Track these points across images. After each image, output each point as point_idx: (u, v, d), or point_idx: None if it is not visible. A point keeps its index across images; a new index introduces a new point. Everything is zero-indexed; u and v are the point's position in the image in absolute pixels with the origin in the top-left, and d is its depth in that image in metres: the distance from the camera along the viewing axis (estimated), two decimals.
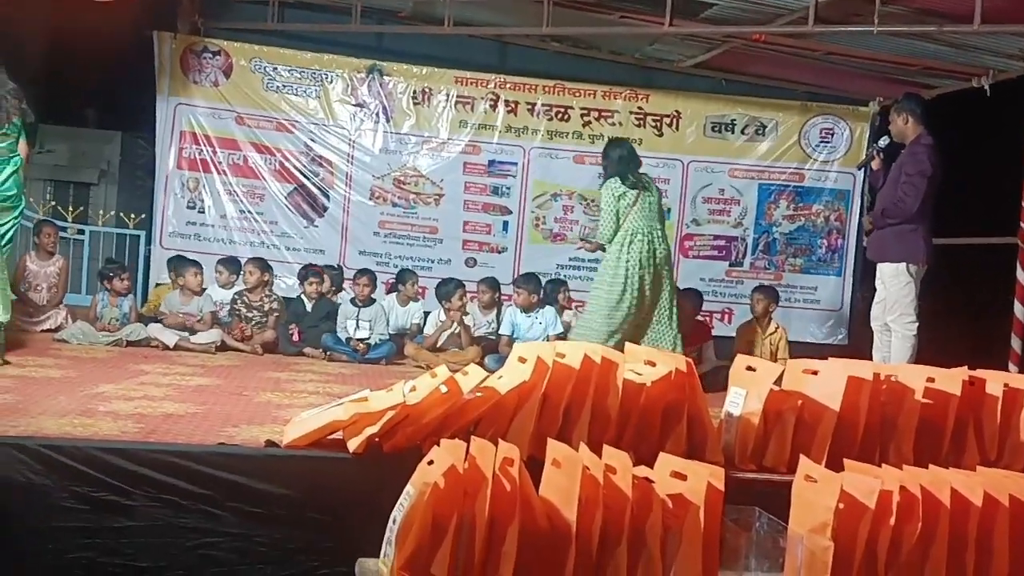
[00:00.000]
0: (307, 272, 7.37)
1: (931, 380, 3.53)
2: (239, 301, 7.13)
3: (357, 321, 6.93)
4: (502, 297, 7.62)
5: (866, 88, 8.49)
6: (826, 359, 3.75)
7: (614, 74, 8.65)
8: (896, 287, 5.37)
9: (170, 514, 3.00)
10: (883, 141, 5.71)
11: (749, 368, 3.63)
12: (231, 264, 7.52)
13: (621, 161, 5.89)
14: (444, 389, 3.20)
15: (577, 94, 8.50)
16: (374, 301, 7.14)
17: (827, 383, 3.52)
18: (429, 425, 3.19)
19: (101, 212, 8.90)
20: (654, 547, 2.63)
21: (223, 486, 3.05)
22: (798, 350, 7.06)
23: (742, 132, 8.65)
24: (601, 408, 3.33)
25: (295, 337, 7.02)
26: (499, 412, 3.30)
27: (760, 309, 7.40)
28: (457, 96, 8.42)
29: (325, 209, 8.37)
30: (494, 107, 8.44)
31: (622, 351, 5.48)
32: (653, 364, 3.46)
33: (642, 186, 5.88)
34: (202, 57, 8.17)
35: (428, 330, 7.15)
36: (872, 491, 2.64)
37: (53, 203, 8.79)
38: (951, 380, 3.53)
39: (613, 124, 8.52)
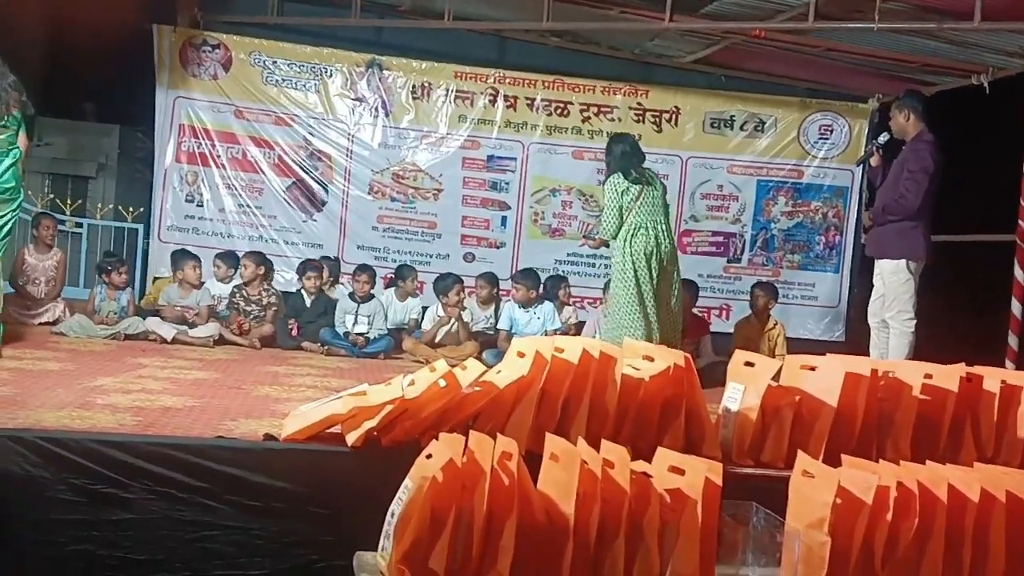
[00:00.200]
0: (306, 267, 7.37)
1: (928, 376, 3.53)
2: (238, 295, 7.13)
3: (356, 316, 6.93)
4: (500, 292, 7.63)
5: (865, 85, 8.49)
6: (823, 355, 3.75)
7: (613, 69, 8.65)
8: (896, 283, 5.37)
9: (168, 507, 3.00)
10: (883, 137, 5.71)
11: (747, 363, 3.63)
12: (229, 258, 7.51)
13: (623, 156, 5.87)
14: (443, 383, 3.20)
15: (576, 89, 8.50)
16: (373, 296, 7.14)
17: (825, 379, 3.52)
18: (427, 419, 3.19)
19: (99, 205, 8.90)
20: (652, 541, 2.64)
21: (221, 479, 3.05)
22: (795, 346, 7.08)
23: (741, 128, 8.65)
24: (599, 403, 3.33)
25: (294, 331, 7.03)
26: (497, 406, 3.30)
27: (760, 305, 7.41)
28: (456, 91, 8.41)
29: (324, 203, 8.37)
30: (493, 102, 8.44)
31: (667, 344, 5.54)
32: (651, 359, 3.47)
33: (646, 181, 5.84)
34: (201, 50, 8.16)
35: (426, 325, 7.15)
36: (869, 487, 2.65)
37: (51, 196, 8.79)
38: (948, 376, 3.53)
39: (612, 120, 8.52)
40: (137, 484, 3.00)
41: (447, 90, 8.41)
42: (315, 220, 8.35)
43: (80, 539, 2.96)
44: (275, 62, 8.26)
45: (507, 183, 8.52)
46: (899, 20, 6.40)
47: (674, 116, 8.62)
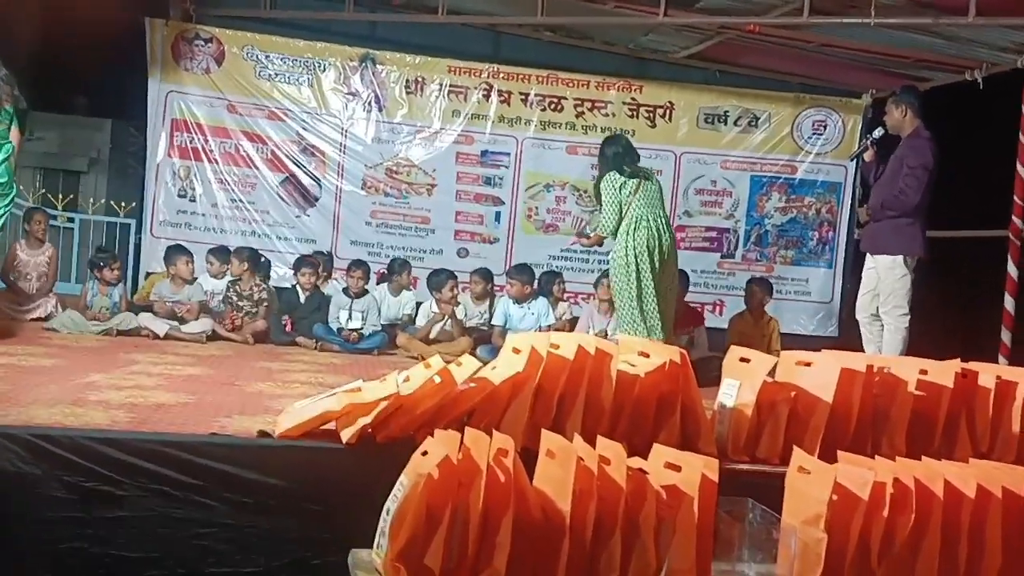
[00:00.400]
0: (301, 263, 7.35)
1: (924, 372, 3.53)
2: (231, 290, 7.11)
3: (350, 311, 6.92)
4: (494, 288, 7.62)
5: (859, 80, 8.49)
6: (818, 351, 3.75)
7: (607, 65, 8.64)
8: (892, 279, 5.38)
9: (162, 504, 2.99)
10: (877, 132, 5.70)
11: (743, 359, 3.63)
12: (222, 253, 7.49)
13: (616, 157, 5.85)
14: (438, 379, 3.19)
15: (570, 84, 8.49)
16: (367, 292, 7.13)
17: (820, 375, 3.52)
18: (423, 415, 3.18)
19: (91, 200, 8.87)
20: (648, 538, 2.63)
21: (215, 476, 3.04)
22: (788, 342, 7.09)
23: (735, 124, 8.65)
24: (595, 399, 3.32)
25: (288, 327, 7.01)
26: (493, 403, 3.29)
27: (756, 301, 7.41)
28: (450, 85, 8.39)
29: (317, 199, 8.34)
30: (487, 97, 8.42)
31: (667, 339, 5.54)
32: (647, 355, 3.46)
33: (643, 175, 5.84)
34: (194, 44, 8.12)
35: (420, 321, 7.14)
36: (866, 483, 2.65)
37: (43, 191, 8.75)
38: (944, 372, 3.53)
39: (606, 115, 8.52)
40: (130, 481, 2.98)
41: (441, 85, 8.39)
42: (308, 215, 8.33)
43: (73, 537, 2.94)
44: (268, 56, 8.23)
45: (501, 178, 8.51)
46: (894, 15, 6.41)
47: (668, 111, 8.61)
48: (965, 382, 3.55)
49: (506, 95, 8.45)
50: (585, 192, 8.29)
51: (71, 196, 8.92)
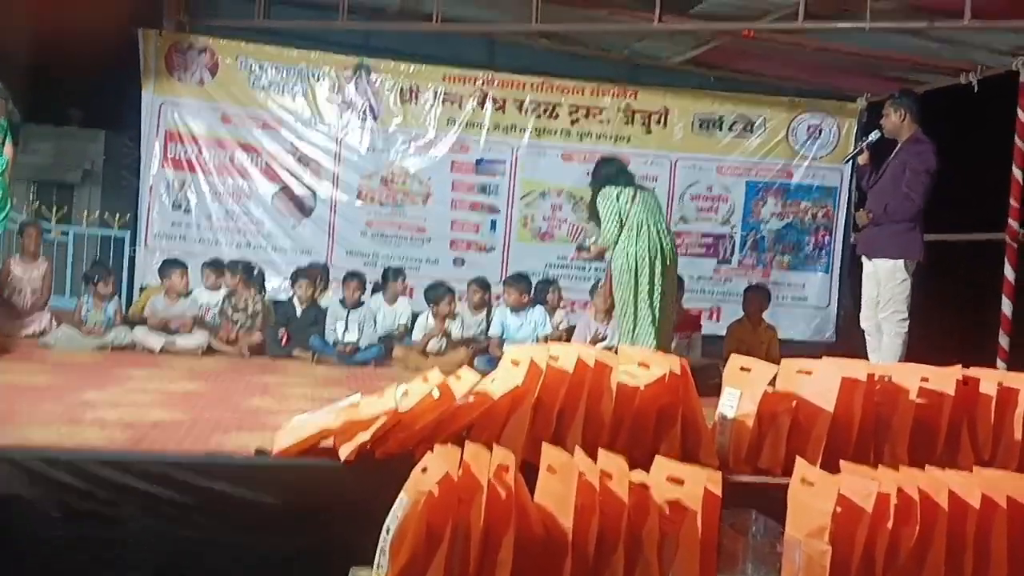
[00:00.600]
0: (299, 275, 7.31)
1: (925, 380, 3.51)
2: (226, 303, 7.08)
3: (346, 323, 6.88)
4: (491, 298, 7.59)
5: (854, 84, 8.49)
6: (815, 357, 3.73)
7: (602, 71, 8.63)
8: (892, 284, 5.36)
9: (160, 524, 2.96)
10: (874, 135, 5.67)
11: (743, 368, 3.61)
12: (217, 266, 7.45)
13: (609, 176, 5.88)
14: (436, 394, 3.17)
15: (565, 91, 8.48)
16: (363, 303, 7.09)
17: (821, 383, 3.50)
18: (422, 431, 3.16)
19: (85, 213, 8.84)
20: (651, 553, 2.61)
21: (213, 496, 3.01)
22: (786, 348, 7.08)
23: (730, 129, 8.65)
24: (595, 411, 3.30)
25: (284, 340, 6.97)
26: (492, 417, 3.27)
27: (754, 308, 7.40)
28: (445, 93, 8.37)
29: (312, 209, 8.31)
30: (482, 104, 8.41)
31: (664, 347, 5.53)
32: (647, 366, 3.44)
33: (638, 186, 5.86)
34: (187, 55, 8.10)
35: (416, 333, 7.11)
36: (869, 494, 2.63)
37: (36, 204, 8.72)
38: (945, 379, 3.51)
39: (601, 121, 8.51)
40: (128, 502, 2.95)
41: (435, 93, 8.37)
42: (303, 226, 8.30)
43: (71, 559, 2.91)
44: (262, 66, 8.20)
45: (496, 186, 8.49)
46: (889, 19, 6.40)
47: (663, 117, 8.60)
48: (967, 389, 3.53)
49: (501, 103, 8.43)
50: (581, 199, 8.27)
51: (65, 209, 8.89)
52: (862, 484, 2.66)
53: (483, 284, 7.47)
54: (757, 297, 7.51)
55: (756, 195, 8.74)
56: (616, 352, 3.72)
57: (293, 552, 3.02)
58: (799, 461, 2.81)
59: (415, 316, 7.33)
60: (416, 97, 8.38)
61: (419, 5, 7.78)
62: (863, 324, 5.55)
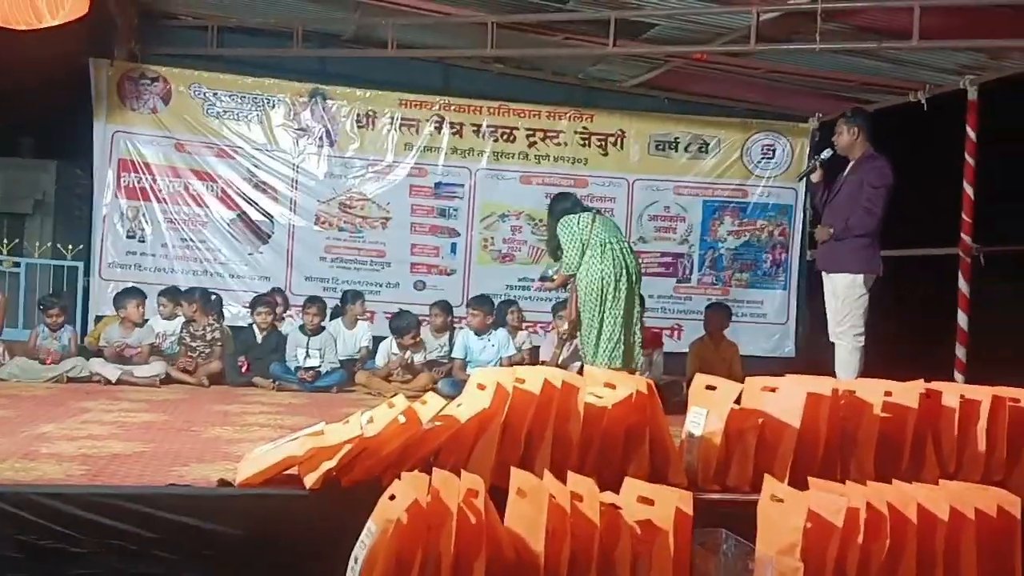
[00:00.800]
0: (258, 302, 7.24)
1: (889, 394, 3.55)
2: (184, 331, 6.98)
3: (307, 349, 6.82)
4: (454, 320, 7.56)
5: (806, 105, 8.62)
6: (775, 373, 3.75)
7: (558, 95, 8.69)
8: (851, 298, 5.41)
9: (121, 560, 2.88)
10: (826, 153, 5.75)
11: (709, 387, 3.62)
12: (173, 294, 7.35)
13: (566, 211, 5.92)
14: (402, 419, 3.13)
15: (522, 115, 8.52)
16: (323, 328, 7.03)
17: (786, 400, 3.52)
18: (388, 457, 3.12)
19: (37, 243, 8.68)
20: (624, 575, 2.59)
21: (175, 529, 2.93)
22: (747, 364, 7.13)
23: (685, 150, 8.74)
24: (563, 433, 3.29)
25: (244, 368, 6.88)
26: (459, 441, 3.24)
27: (714, 326, 7.44)
28: (402, 119, 8.37)
29: (270, 235, 8.25)
30: (439, 129, 8.41)
31: (631, 363, 5.52)
32: (613, 387, 3.43)
33: (595, 210, 5.93)
34: (140, 84, 8.02)
35: (379, 359, 7.05)
36: (839, 509, 2.64)
37: None
38: (908, 394, 3.55)
39: (559, 144, 8.56)
40: (87, 538, 2.87)
41: (392, 118, 8.36)
42: (261, 252, 8.22)
43: None
44: (216, 94, 8.14)
45: (455, 209, 8.48)
46: (839, 40, 6.51)
47: (619, 139, 8.67)
48: (930, 403, 3.57)
49: (458, 127, 8.44)
50: (540, 221, 8.28)
51: (16, 240, 8.71)
52: (831, 500, 2.67)
53: (445, 307, 7.45)
54: (718, 315, 7.57)
55: (713, 214, 8.82)
56: (582, 373, 3.72)
57: None
58: (767, 478, 2.82)
59: (376, 340, 7.28)
60: (373, 123, 8.37)
61: (374, 31, 7.78)
62: (832, 338, 5.58)
